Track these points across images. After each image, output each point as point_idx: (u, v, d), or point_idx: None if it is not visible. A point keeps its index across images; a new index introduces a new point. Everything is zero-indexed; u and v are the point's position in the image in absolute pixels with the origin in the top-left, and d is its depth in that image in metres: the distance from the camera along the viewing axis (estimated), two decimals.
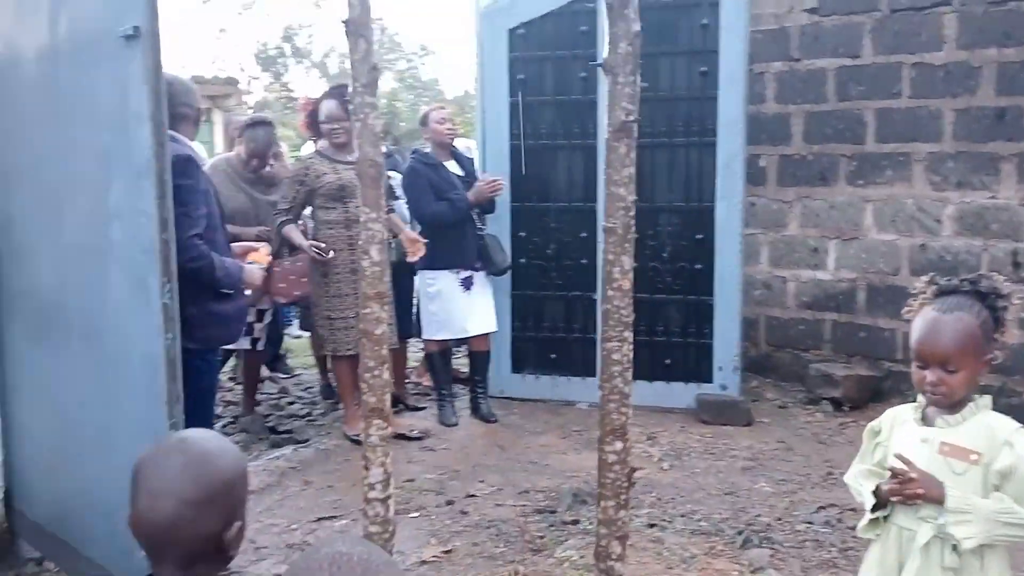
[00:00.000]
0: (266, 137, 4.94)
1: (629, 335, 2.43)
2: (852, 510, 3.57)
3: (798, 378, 5.73)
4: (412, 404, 5.46)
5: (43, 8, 2.87)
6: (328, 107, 4.65)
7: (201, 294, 3.19)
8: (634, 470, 2.51)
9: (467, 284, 5.03)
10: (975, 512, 1.82)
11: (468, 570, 3.32)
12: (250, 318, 4.63)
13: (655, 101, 5.10)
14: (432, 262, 4.93)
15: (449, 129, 5.12)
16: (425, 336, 5.21)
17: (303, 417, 5.41)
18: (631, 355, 2.43)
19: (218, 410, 5.22)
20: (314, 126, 4.84)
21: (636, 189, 2.48)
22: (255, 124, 4.98)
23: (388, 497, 2.60)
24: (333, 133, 4.65)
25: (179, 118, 3.17)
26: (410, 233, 4.90)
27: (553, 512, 3.80)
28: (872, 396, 5.32)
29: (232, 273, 3.34)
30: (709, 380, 5.24)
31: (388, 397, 2.64)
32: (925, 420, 1.97)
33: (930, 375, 1.90)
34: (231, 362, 5.98)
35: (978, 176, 5.14)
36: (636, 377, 2.57)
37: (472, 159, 5.51)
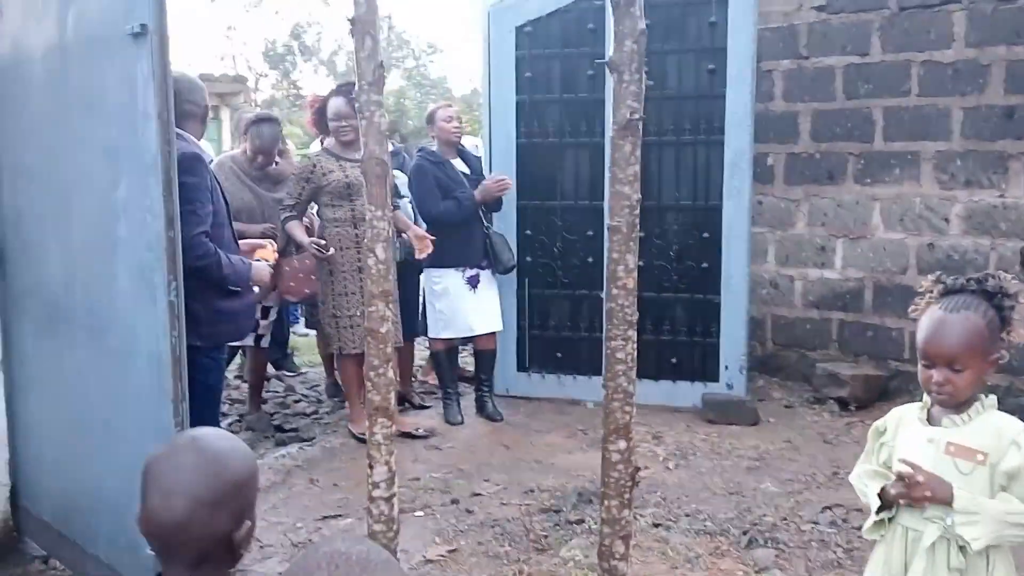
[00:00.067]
0: (271, 134, 4.95)
1: (633, 334, 2.43)
2: (858, 510, 3.55)
3: (804, 377, 5.71)
4: (418, 403, 5.47)
5: (51, 6, 2.87)
6: (336, 105, 4.65)
7: (208, 291, 3.20)
8: (638, 469, 2.51)
9: (473, 282, 5.03)
10: (983, 513, 1.81)
11: (473, 569, 3.32)
12: None
13: (663, 99, 5.10)
14: (438, 260, 4.93)
15: (456, 127, 5.12)
16: (431, 335, 5.22)
17: (309, 415, 5.42)
18: (635, 354, 2.43)
19: (224, 408, 5.23)
20: (321, 124, 4.83)
21: (643, 187, 2.48)
22: (260, 121, 4.98)
23: (392, 496, 2.60)
24: (340, 131, 4.65)
25: (185, 115, 3.17)
26: (418, 230, 4.90)
27: (558, 511, 3.80)
28: (879, 396, 5.30)
29: (240, 270, 3.35)
30: (715, 379, 5.24)
31: (393, 396, 2.64)
32: (931, 420, 1.96)
33: (936, 374, 1.89)
34: (237, 360, 5.99)
35: (987, 175, 5.11)
36: (642, 376, 2.57)
37: (479, 157, 5.51)
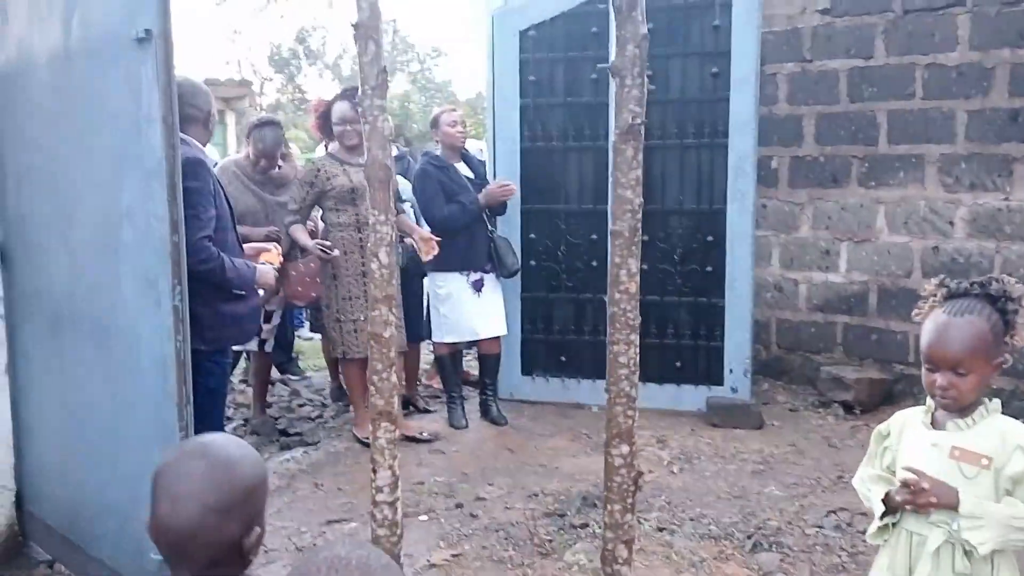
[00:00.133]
0: (274, 137, 4.95)
1: (636, 338, 2.43)
2: (862, 514, 3.55)
3: (809, 381, 5.71)
4: (423, 406, 5.47)
5: (56, 11, 2.88)
6: (340, 109, 4.65)
7: (212, 295, 3.20)
8: (640, 474, 2.50)
9: (477, 286, 5.03)
10: (988, 517, 1.81)
11: (477, 573, 3.32)
12: None
13: (666, 103, 5.11)
14: (442, 264, 4.93)
15: (460, 131, 5.12)
16: (435, 339, 5.22)
17: (313, 419, 5.42)
18: (637, 358, 2.43)
19: (229, 412, 5.23)
20: (325, 128, 4.84)
21: (647, 191, 2.48)
22: (262, 125, 4.99)
23: (396, 500, 2.60)
24: (345, 135, 4.65)
25: (187, 120, 3.17)
26: (424, 232, 4.89)
27: (562, 515, 3.80)
28: (884, 399, 5.30)
29: (244, 274, 3.35)
30: (720, 383, 5.23)
31: (396, 400, 2.64)
32: (935, 424, 1.96)
33: (940, 378, 1.89)
34: (242, 364, 6.00)
35: (991, 178, 5.10)
36: (646, 380, 2.57)
37: (483, 161, 5.51)
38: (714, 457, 4.55)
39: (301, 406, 5.72)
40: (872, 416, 5.02)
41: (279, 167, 5.10)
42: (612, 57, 2.39)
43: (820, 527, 3.65)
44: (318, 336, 6.09)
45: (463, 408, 5.20)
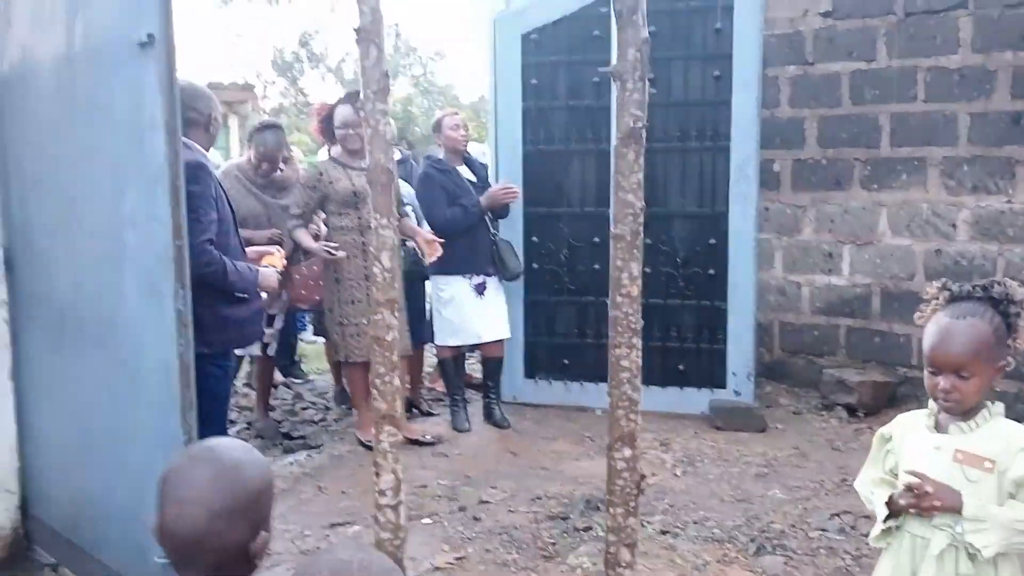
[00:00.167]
0: (275, 141, 4.95)
1: (638, 341, 2.43)
2: (866, 517, 3.54)
3: (812, 384, 5.70)
4: (427, 409, 5.47)
5: (59, 16, 2.89)
6: (343, 112, 4.66)
7: (214, 298, 3.20)
8: (643, 477, 2.50)
9: (480, 290, 5.04)
10: (992, 520, 1.81)
11: None
12: None
13: (668, 106, 5.10)
14: (445, 268, 4.93)
15: (462, 135, 5.13)
16: (438, 342, 5.22)
17: (317, 423, 5.42)
18: (640, 362, 2.43)
19: (232, 415, 5.24)
20: (328, 132, 4.85)
21: (649, 195, 2.48)
22: (264, 128, 5.00)
23: (399, 503, 2.60)
24: (347, 139, 4.65)
25: (188, 124, 3.17)
26: (427, 234, 4.89)
27: (566, 519, 3.79)
28: (887, 402, 5.29)
29: (246, 277, 3.36)
30: (723, 386, 5.23)
31: (399, 403, 2.64)
32: (938, 427, 1.96)
33: (943, 382, 1.88)
34: (245, 367, 6.00)
35: (994, 180, 5.10)
36: (649, 383, 2.57)
37: (485, 164, 5.51)
38: (717, 460, 4.55)
39: (304, 409, 5.72)
40: (875, 419, 5.02)
41: (281, 170, 5.10)
42: (614, 61, 2.39)
43: (824, 530, 3.65)
44: (321, 339, 6.10)
45: (466, 411, 5.20)
